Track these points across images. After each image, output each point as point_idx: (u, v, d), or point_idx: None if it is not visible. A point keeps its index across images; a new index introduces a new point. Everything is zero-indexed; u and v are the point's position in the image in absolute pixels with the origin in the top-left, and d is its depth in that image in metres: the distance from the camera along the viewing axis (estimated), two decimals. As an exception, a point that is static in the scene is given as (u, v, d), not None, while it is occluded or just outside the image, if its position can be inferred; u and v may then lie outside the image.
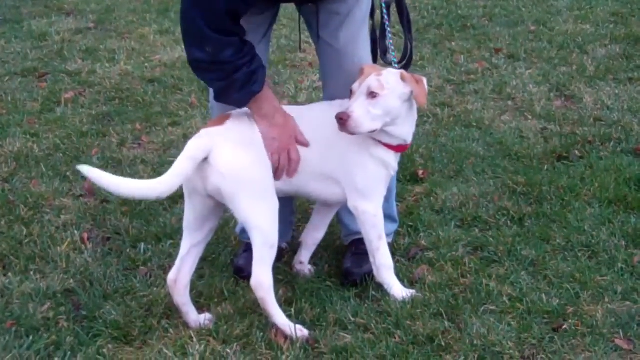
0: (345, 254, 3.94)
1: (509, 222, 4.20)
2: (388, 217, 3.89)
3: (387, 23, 3.78)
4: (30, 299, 3.73)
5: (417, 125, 5.15)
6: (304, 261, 3.91)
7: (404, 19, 3.83)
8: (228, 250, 4.06)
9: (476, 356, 3.25)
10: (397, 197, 4.31)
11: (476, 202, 4.39)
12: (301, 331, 3.42)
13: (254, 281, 3.41)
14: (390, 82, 3.49)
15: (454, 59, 6.28)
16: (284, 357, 3.28)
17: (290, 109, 3.63)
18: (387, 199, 3.87)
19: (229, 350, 3.33)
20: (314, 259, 3.97)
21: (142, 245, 4.12)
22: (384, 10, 3.78)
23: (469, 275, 3.78)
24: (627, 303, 3.53)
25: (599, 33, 6.59)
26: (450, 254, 3.94)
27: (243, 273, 3.84)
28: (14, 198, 4.62)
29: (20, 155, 5.12)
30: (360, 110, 3.38)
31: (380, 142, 3.58)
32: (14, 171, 4.95)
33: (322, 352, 3.32)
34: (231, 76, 3.37)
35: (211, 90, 3.79)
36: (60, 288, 3.81)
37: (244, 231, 3.98)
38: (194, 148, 3.37)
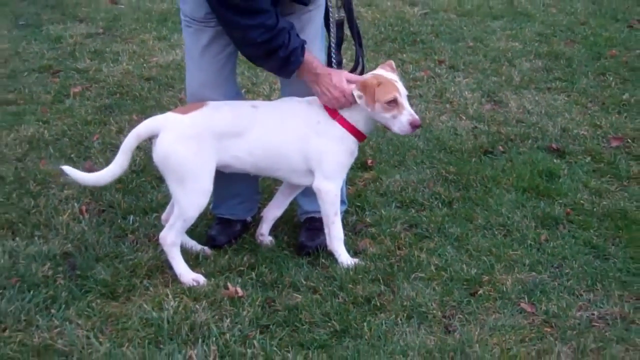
0: (300, 229, 3.92)
1: (440, 204, 4.19)
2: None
3: (332, 40, 3.70)
4: (33, 259, 3.69)
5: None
6: (264, 233, 3.88)
7: (354, 33, 3.78)
8: (204, 223, 4.03)
9: (405, 315, 3.27)
10: (348, 182, 4.32)
11: (414, 187, 4.37)
12: (197, 282, 3.49)
13: (160, 236, 3.56)
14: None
15: (404, 68, 6.25)
16: (244, 313, 3.28)
17: (264, 103, 3.63)
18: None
19: (198, 306, 3.32)
20: (275, 232, 3.94)
21: (132, 217, 4.08)
22: (332, 27, 3.72)
23: (404, 248, 3.78)
24: (533, 273, 3.57)
25: (525, 49, 6.58)
26: (389, 229, 3.94)
27: (215, 242, 3.84)
28: (25, 175, 4.57)
29: (33, 139, 5.06)
30: None
31: (357, 133, 3.57)
32: (27, 152, 4.89)
33: (277, 310, 3.32)
34: (267, 59, 3.38)
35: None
36: (59, 251, 3.77)
37: (216, 206, 3.99)
38: (142, 126, 3.48)
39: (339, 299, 3.37)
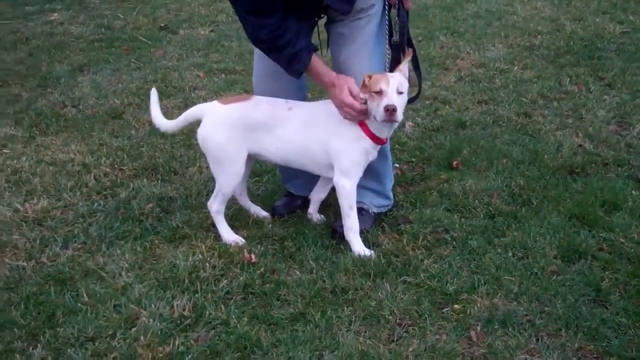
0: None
1: (483, 215, 3.38)
2: (381, 194, 3.41)
3: (388, 58, 3.18)
4: (146, 198, 3.68)
5: (489, 127, 4.43)
6: (312, 212, 3.49)
7: (413, 59, 3.16)
8: (279, 194, 3.74)
9: (363, 314, 2.72)
10: (426, 179, 3.74)
11: (475, 194, 3.58)
12: (237, 243, 3.22)
13: (208, 204, 3.29)
14: (405, 83, 2.96)
15: (560, 81, 5.21)
16: (241, 277, 2.97)
17: (299, 105, 3.19)
18: (381, 182, 3.37)
19: (214, 263, 3.07)
20: (327, 212, 3.51)
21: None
22: (388, 50, 3.18)
23: (417, 250, 3.13)
24: (513, 303, 2.73)
25: (701, 75, 5.11)
26: (418, 229, 3.25)
27: (274, 211, 3.55)
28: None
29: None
30: (399, 103, 2.89)
31: (370, 135, 3.04)
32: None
33: (270, 281, 2.95)
34: (276, 54, 2.98)
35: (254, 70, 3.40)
36: (170, 195, 3.73)
37: (285, 181, 3.67)
38: (190, 111, 3.25)
39: (323, 283, 2.91)
